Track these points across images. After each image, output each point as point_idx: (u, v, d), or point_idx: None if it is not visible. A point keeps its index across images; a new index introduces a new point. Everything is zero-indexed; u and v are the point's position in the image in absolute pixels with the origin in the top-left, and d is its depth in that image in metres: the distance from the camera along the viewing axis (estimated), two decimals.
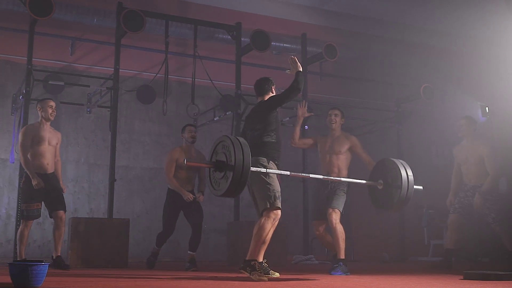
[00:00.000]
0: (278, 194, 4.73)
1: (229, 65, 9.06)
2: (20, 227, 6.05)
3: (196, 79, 8.09)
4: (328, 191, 5.78)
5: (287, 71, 5.08)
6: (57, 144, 6.28)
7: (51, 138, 6.16)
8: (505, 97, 10.77)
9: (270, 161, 4.81)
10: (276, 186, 4.75)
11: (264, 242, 4.70)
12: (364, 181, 5.05)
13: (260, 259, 4.70)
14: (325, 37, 10.05)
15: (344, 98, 10.98)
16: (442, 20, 11.19)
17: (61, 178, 6.41)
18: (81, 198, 9.31)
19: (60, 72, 8.99)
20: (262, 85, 5.12)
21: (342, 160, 5.98)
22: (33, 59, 7.21)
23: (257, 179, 4.73)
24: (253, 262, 4.63)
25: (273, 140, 4.89)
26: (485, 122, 11.12)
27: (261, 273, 4.59)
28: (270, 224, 4.68)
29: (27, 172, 5.95)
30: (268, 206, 4.68)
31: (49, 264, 5.49)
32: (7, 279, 3.90)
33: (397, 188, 4.91)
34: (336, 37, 10.41)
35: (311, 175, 5.04)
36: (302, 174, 5.27)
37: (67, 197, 9.25)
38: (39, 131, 6.10)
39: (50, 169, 6.15)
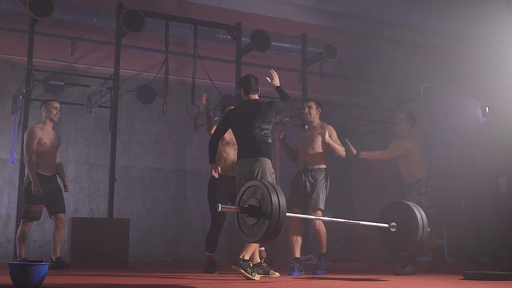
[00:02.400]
0: None
1: (229, 65, 9.07)
2: (20, 227, 6.04)
3: (196, 79, 8.09)
4: (308, 181, 5.86)
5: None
6: (59, 146, 6.27)
7: (54, 140, 6.16)
8: (505, 97, 10.77)
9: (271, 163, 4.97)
10: None
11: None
12: (377, 224, 4.99)
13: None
14: (325, 37, 10.05)
15: (344, 98, 10.99)
16: (442, 20, 11.19)
17: (65, 176, 6.40)
18: (81, 198, 9.31)
19: (60, 72, 8.99)
20: (253, 83, 5.19)
21: (317, 150, 6.01)
22: (33, 59, 7.21)
23: (264, 178, 4.80)
24: (249, 261, 4.80)
25: (271, 142, 5.07)
26: (485, 122, 11.12)
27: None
28: None
29: (30, 176, 5.92)
30: None
31: (49, 265, 5.51)
32: (7, 279, 3.90)
33: (413, 232, 4.88)
34: (336, 37, 10.41)
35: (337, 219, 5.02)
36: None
37: (67, 197, 9.25)
38: (43, 132, 6.08)
39: (52, 171, 6.14)
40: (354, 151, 5.82)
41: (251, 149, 4.95)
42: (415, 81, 10.24)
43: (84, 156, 9.54)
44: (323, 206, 5.79)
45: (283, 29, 10.51)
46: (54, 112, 6.17)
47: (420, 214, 4.91)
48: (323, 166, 5.97)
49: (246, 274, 4.67)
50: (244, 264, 4.74)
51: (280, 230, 3.92)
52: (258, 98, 5.21)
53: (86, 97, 9.09)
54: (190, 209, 10.05)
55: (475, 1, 10.11)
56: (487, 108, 10.95)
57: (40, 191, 5.91)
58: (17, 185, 7.33)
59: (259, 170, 4.85)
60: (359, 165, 11.08)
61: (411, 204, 5.04)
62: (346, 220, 4.89)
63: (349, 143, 5.79)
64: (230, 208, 4.07)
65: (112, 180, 7.22)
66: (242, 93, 5.25)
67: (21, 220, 6.06)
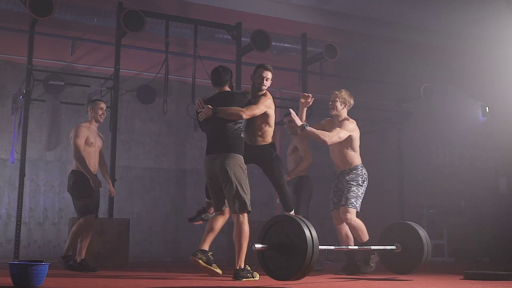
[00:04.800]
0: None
1: (229, 65, 9.04)
2: (78, 223, 5.76)
3: (196, 79, 8.09)
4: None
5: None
6: (101, 146, 6.15)
7: (98, 140, 6.04)
8: (505, 97, 10.77)
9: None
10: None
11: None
12: (380, 247, 4.98)
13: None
14: (325, 37, 10.05)
15: None
16: (442, 20, 11.19)
17: (110, 180, 6.35)
18: None
19: (60, 72, 8.99)
20: (223, 75, 5.00)
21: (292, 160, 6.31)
22: (33, 59, 7.21)
23: (238, 176, 4.72)
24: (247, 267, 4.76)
25: (243, 137, 4.93)
26: (485, 122, 11.13)
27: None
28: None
29: (86, 173, 5.74)
30: (249, 209, 4.77)
31: (72, 266, 5.46)
32: (8, 279, 3.91)
33: (420, 250, 4.88)
34: (336, 37, 10.41)
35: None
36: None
37: (67, 197, 9.27)
38: (90, 132, 5.97)
39: (95, 171, 6.00)
40: (299, 123, 5.07)
41: (222, 144, 4.77)
42: (415, 81, 10.24)
43: None
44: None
45: (283, 29, 10.51)
46: (100, 112, 6.04)
47: (423, 231, 4.94)
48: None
49: (249, 280, 4.67)
50: (243, 273, 4.68)
51: (314, 267, 3.87)
52: (229, 90, 5.01)
53: (86, 97, 9.09)
54: (190, 209, 10.03)
55: (475, 1, 10.11)
56: (487, 108, 10.96)
57: (101, 184, 5.85)
58: (17, 185, 7.32)
59: (232, 168, 4.71)
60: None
61: (412, 223, 5.06)
62: (359, 247, 4.88)
63: (294, 114, 5.03)
64: (263, 247, 3.98)
65: (112, 180, 7.21)
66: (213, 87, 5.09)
67: (80, 217, 5.78)
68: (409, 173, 10.16)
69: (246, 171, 4.81)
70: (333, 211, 5.58)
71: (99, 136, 6.12)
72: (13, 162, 8.46)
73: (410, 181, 10.13)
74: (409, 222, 5.15)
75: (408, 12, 11.04)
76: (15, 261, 4.16)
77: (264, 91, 5.02)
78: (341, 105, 5.49)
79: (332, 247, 4.63)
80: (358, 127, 5.48)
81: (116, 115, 7.47)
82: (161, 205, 9.90)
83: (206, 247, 5.02)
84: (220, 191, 4.85)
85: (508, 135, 10.51)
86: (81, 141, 5.83)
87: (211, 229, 5.07)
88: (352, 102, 5.58)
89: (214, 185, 4.87)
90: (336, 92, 5.57)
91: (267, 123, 5.02)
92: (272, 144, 5.11)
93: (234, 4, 10.37)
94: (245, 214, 4.76)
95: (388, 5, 10.83)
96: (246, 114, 4.76)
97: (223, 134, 4.78)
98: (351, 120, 5.48)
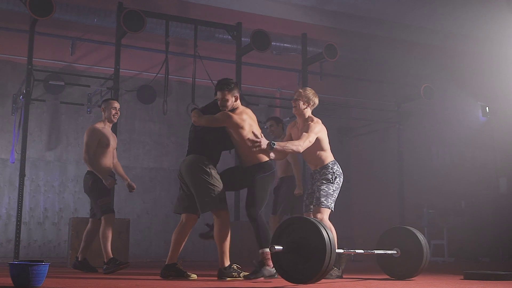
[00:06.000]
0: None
1: (229, 65, 9.07)
2: (103, 225, 5.67)
3: (196, 79, 8.08)
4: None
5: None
6: (115, 146, 6.06)
7: (112, 141, 5.92)
8: (505, 97, 10.78)
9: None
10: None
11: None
12: (380, 252, 4.97)
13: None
14: (325, 37, 10.06)
15: (344, 98, 10.99)
16: (442, 20, 11.20)
17: (126, 176, 6.15)
18: (82, 198, 9.30)
19: (60, 72, 9.00)
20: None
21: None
22: (33, 59, 7.21)
23: (198, 178, 4.68)
24: (233, 265, 4.73)
25: (211, 139, 4.89)
26: (485, 122, 11.13)
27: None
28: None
29: (97, 173, 5.66)
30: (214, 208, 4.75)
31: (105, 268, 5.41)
32: (8, 279, 3.90)
33: (420, 254, 4.88)
34: (336, 37, 10.41)
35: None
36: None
37: (67, 197, 9.29)
38: (104, 132, 5.84)
39: (109, 172, 5.89)
40: (265, 143, 4.69)
41: (190, 146, 4.91)
42: (415, 81, 10.24)
43: None
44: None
45: (283, 29, 10.51)
46: (113, 112, 5.89)
47: (422, 236, 4.94)
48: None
49: (236, 278, 4.66)
50: (227, 272, 4.68)
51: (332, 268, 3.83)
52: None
53: (86, 97, 9.09)
54: None
55: (475, 1, 10.11)
56: (487, 108, 10.97)
57: (115, 181, 5.79)
58: (17, 185, 7.31)
59: (188, 169, 4.73)
60: (358, 164, 11.10)
61: (410, 228, 5.05)
62: (358, 251, 4.86)
63: (254, 135, 4.72)
64: (278, 248, 3.92)
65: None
66: None
67: (100, 216, 5.68)
68: (409, 173, 10.16)
69: (211, 170, 4.72)
70: (306, 214, 5.15)
71: (113, 135, 6.02)
72: (13, 162, 8.46)
73: (410, 181, 10.13)
74: (406, 226, 5.15)
75: (408, 12, 11.04)
76: (15, 261, 4.16)
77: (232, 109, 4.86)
78: (304, 104, 5.10)
79: (341, 251, 4.58)
80: (324, 125, 5.17)
81: None
82: (161, 205, 9.90)
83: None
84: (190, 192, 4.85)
85: (508, 135, 10.52)
86: (92, 143, 5.72)
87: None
88: (316, 101, 5.21)
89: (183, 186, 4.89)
90: (300, 91, 5.17)
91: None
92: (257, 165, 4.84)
93: (234, 4, 10.38)
94: (221, 213, 4.73)
95: (388, 5, 10.84)
96: None
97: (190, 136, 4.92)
98: (315, 120, 5.12)
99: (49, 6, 6.92)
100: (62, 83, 8.66)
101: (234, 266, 4.74)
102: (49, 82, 8.46)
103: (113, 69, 7.57)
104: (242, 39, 8.38)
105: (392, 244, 5.01)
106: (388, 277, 5.17)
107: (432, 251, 9.67)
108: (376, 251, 4.96)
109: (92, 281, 4.50)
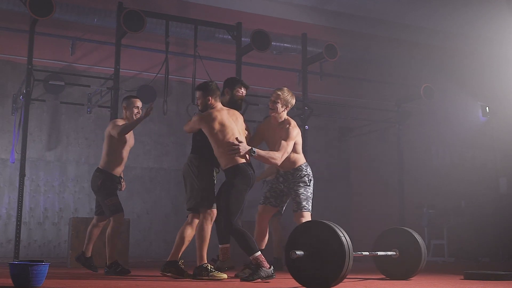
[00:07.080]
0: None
1: (229, 65, 9.06)
2: (111, 226, 5.45)
3: (196, 79, 8.07)
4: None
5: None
6: (132, 145, 5.83)
7: (131, 139, 5.71)
8: (505, 97, 10.78)
9: None
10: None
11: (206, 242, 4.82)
12: (379, 253, 4.96)
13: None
14: (325, 37, 10.06)
15: (344, 98, 10.99)
16: (442, 20, 11.20)
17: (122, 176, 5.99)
18: (82, 198, 9.31)
19: (60, 72, 9.00)
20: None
21: None
22: (33, 59, 7.21)
23: (187, 175, 4.85)
24: (205, 265, 4.76)
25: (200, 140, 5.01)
26: (485, 122, 11.13)
27: (215, 271, 4.75)
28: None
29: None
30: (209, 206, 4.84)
31: (126, 270, 5.38)
32: (8, 279, 3.90)
33: (418, 254, 4.88)
34: (336, 37, 10.41)
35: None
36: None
37: (68, 197, 9.29)
38: None
39: (121, 172, 5.73)
40: (246, 149, 4.66)
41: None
42: (415, 81, 10.24)
43: (85, 156, 9.54)
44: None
45: (283, 29, 10.51)
46: (135, 111, 5.58)
47: (419, 236, 4.94)
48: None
49: (215, 277, 4.68)
50: (198, 271, 4.72)
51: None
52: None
53: (86, 97, 9.09)
54: None
55: (475, 1, 10.12)
56: (487, 108, 10.97)
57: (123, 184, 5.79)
58: (17, 185, 7.31)
59: (185, 167, 4.92)
60: (358, 164, 11.10)
61: (406, 228, 5.06)
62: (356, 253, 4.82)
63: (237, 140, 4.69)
64: (300, 254, 3.83)
65: None
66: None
67: (109, 216, 5.48)
68: (409, 173, 10.16)
69: (195, 168, 4.82)
70: (262, 206, 5.19)
71: (132, 136, 5.77)
72: (13, 162, 8.46)
73: (410, 181, 10.12)
74: (403, 227, 5.16)
75: (408, 12, 11.05)
76: (15, 261, 4.16)
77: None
78: (282, 107, 5.02)
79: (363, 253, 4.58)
80: (298, 126, 5.12)
81: (116, 115, 7.45)
82: (161, 205, 9.90)
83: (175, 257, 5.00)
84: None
85: (508, 135, 10.52)
86: (117, 127, 5.42)
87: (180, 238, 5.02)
88: (293, 102, 5.10)
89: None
90: (278, 92, 5.05)
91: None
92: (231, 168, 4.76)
93: (234, 4, 10.38)
94: (205, 213, 4.80)
95: (388, 5, 10.84)
96: None
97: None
98: (292, 123, 5.00)
99: (49, 6, 6.92)
100: (62, 83, 8.66)
101: (208, 266, 4.78)
102: (49, 82, 8.47)
103: (113, 69, 7.56)
104: (242, 39, 8.38)
105: (389, 245, 5.01)
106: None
107: (432, 251, 9.69)
108: (379, 253, 4.95)
109: (92, 281, 4.50)
